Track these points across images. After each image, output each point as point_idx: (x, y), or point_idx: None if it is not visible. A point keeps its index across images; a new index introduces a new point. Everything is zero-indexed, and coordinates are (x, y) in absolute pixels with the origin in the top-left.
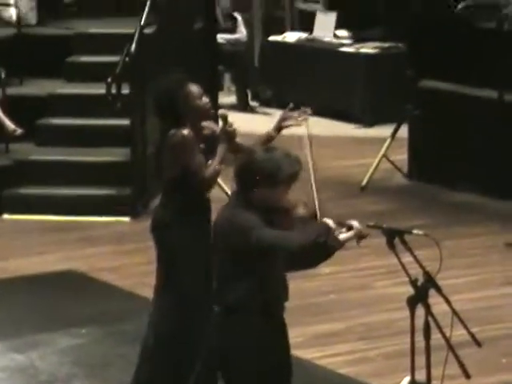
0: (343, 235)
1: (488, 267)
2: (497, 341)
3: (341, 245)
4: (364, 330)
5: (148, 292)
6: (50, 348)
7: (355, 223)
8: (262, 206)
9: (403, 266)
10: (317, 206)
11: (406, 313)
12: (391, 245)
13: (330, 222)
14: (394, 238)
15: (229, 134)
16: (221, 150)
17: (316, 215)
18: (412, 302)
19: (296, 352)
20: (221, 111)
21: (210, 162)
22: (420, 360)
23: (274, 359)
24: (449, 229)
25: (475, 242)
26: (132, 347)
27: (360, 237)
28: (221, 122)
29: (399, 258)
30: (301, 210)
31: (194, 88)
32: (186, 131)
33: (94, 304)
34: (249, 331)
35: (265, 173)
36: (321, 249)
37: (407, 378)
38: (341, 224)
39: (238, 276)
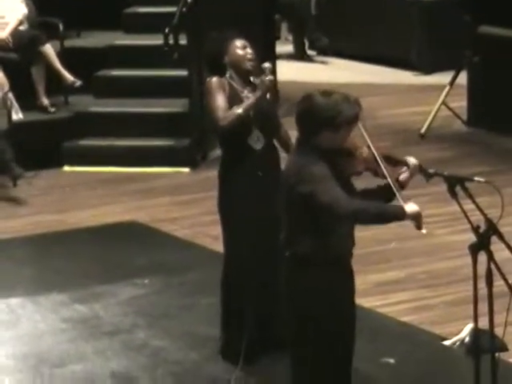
0: (403, 175)
1: None
2: None
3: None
4: (425, 277)
5: (208, 242)
6: (113, 299)
7: (410, 160)
8: (327, 150)
9: (465, 213)
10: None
11: (468, 260)
12: (453, 192)
13: (410, 208)
14: (456, 185)
15: (265, 85)
16: (252, 98)
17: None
18: (474, 249)
19: (357, 300)
20: (264, 64)
21: (234, 107)
22: (482, 307)
23: (341, 308)
24: (509, 175)
25: None
26: (194, 297)
27: (423, 172)
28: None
29: (461, 206)
30: (365, 151)
31: (238, 40)
32: (213, 78)
33: (156, 255)
34: (318, 281)
35: (326, 117)
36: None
37: (469, 325)
38: (400, 162)
39: (305, 227)
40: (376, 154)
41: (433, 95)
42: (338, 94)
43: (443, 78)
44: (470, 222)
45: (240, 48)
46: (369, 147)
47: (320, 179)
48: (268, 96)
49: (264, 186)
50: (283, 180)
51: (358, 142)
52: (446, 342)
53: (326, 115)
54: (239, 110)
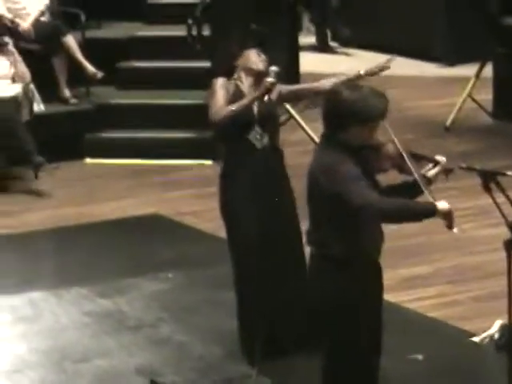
0: (431, 172)
1: None
2: None
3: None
4: (453, 273)
5: None
6: (137, 293)
7: (441, 158)
8: (354, 146)
9: (499, 207)
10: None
11: (496, 255)
12: (487, 187)
13: (442, 205)
14: (491, 180)
15: (265, 86)
16: (249, 97)
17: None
18: (509, 245)
19: (385, 295)
20: (272, 67)
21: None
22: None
23: (370, 305)
24: None
25: None
26: (218, 291)
27: (447, 171)
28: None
29: (495, 200)
30: (390, 148)
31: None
32: (218, 78)
33: (179, 248)
34: (347, 278)
35: (355, 111)
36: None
37: (498, 321)
38: (427, 159)
39: (334, 225)
40: (402, 150)
41: (457, 87)
42: (366, 88)
43: (467, 70)
44: (504, 216)
45: (254, 54)
46: (394, 143)
47: (350, 180)
48: (267, 97)
49: (267, 185)
50: (310, 178)
51: (381, 138)
52: (475, 339)
53: (355, 110)
54: (233, 107)
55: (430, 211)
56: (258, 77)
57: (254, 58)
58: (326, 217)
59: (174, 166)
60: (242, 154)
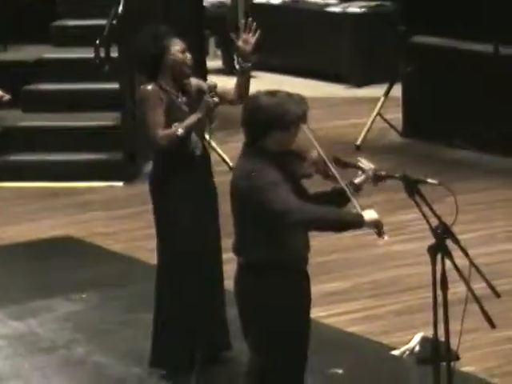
0: (358, 179)
1: (490, 223)
2: (507, 296)
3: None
4: (371, 287)
5: (144, 255)
6: (50, 314)
7: (366, 164)
8: (276, 152)
9: (423, 213)
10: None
11: (411, 270)
12: (411, 192)
13: (369, 216)
14: (414, 186)
15: (208, 105)
16: (192, 117)
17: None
18: (433, 251)
19: None
20: (209, 81)
21: (175, 124)
22: (428, 316)
23: (294, 318)
24: (448, 185)
25: (476, 197)
26: (132, 312)
27: (375, 178)
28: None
29: (419, 206)
30: (314, 153)
31: (176, 41)
32: (149, 86)
33: (92, 269)
34: (271, 288)
35: (274, 117)
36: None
37: (419, 335)
38: (352, 166)
39: (258, 234)
40: (324, 156)
41: (365, 108)
42: (283, 93)
43: (375, 90)
44: (428, 222)
45: (181, 51)
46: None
47: (271, 186)
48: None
49: (205, 191)
50: (232, 186)
51: (306, 144)
52: (395, 352)
53: (273, 116)
54: (179, 132)
55: (357, 223)
56: (184, 78)
57: (181, 58)
58: (248, 224)
59: (84, 189)
60: (181, 161)
